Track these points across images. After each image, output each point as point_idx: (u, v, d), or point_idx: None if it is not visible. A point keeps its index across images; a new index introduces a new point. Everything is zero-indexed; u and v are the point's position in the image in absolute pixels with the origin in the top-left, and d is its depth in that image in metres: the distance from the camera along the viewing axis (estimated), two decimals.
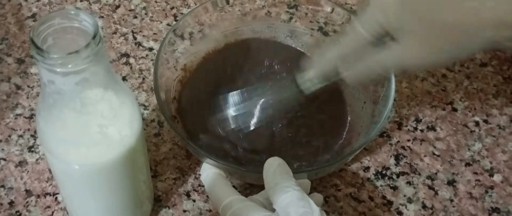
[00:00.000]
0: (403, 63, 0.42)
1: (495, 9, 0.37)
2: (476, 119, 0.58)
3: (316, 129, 0.53)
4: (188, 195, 0.52)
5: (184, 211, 0.51)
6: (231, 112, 0.53)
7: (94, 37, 0.33)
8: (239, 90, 0.53)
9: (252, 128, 0.52)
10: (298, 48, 0.60)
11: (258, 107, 0.53)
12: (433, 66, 0.50)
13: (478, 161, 0.55)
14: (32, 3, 0.67)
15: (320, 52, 0.47)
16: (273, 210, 0.41)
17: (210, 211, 0.51)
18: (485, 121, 0.58)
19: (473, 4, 0.37)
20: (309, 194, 0.45)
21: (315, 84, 0.48)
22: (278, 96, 0.52)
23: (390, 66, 0.42)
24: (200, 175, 0.49)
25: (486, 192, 0.53)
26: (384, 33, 0.41)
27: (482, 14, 0.37)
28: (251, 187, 0.52)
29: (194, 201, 0.51)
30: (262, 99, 0.52)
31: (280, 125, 0.53)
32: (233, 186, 0.51)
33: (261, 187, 0.44)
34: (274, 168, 0.42)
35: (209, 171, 0.46)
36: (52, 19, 0.34)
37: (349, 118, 0.55)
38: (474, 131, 0.57)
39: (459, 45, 0.39)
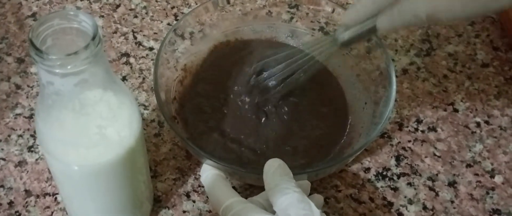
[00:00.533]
0: (433, 11, 0.40)
1: None
2: (477, 119, 0.58)
3: (316, 129, 0.53)
4: (188, 195, 0.52)
5: (184, 211, 0.51)
6: (232, 113, 0.53)
7: (93, 38, 0.33)
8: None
9: (253, 129, 0.52)
10: (299, 48, 0.60)
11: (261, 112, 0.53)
12: (464, 18, 0.48)
13: (479, 162, 0.55)
14: (32, 2, 0.67)
15: (355, 5, 0.46)
16: (274, 212, 0.41)
17: (210, 211, 0.51)
18: (487, 122, 0.58)
19: None
20: (309, 195, 0.45)
21: (352, 33, 0.48)
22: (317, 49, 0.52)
23: (421, 13, 0.41)
24: (200, 175, 0.48)
25: (487, 193, 0.53)
26: None
27: None
28: (251, 188, 0.52)
29: (194, 201, 0.51)
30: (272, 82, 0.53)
31: (281, 126, 0.52)
32: (233, 187, 0.51)
33: (262, 188, 0.43)
34: (274, 169, 0.42)
35: (209, 172, 0.46)
36: (51, 20, 0.34)
37: (350, 119, 0.55)
38: (475, 132, 0.57)
39: None
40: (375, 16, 0.45)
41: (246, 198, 0.44)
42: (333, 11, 0.58)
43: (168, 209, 0.51)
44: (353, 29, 0.48)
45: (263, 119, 0.53)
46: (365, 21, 0.46)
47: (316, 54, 0.52)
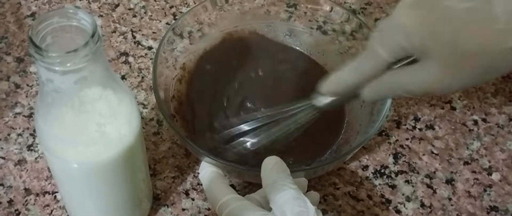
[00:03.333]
0: (426, 87, 0.39)
1: None
2: (475, 117, 0.58)
3: (313, 128, 0.53)
4: (187, 193, 0.52)
5: (183, 209, 0.51)
6: (231, 112, 0.53)
7: (92, 36, 0.33)
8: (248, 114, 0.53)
9: (251, 127, 0.52)
10: (296, 47, 0.60)
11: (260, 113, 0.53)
12: (459, 90, 0.48)
13: (477, 159, 0.55)
14: (31, 2, 0.67)
15: (337, 74, 0.44)
16: (270, 209, 0.41)
17: (208, 209, 0.51)
18: (484, 120, 0.58)
19: (499, 27, 0.35)
20: (306, 192, 0.46)
21: (332, 102, 0.47)
22: (294, 116, 0.50)
23: (413, 89, 0.40)
24: (198, 173, 0.49)
25: (485, 190, 0.53)
26: (406, 56, 0.39)
27: (510, 41, 0.35)
28: (249, 185, 0.52)
29: (193, 199, 0.51)
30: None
31: (278, 124, 0.53)
32: (232, 185, 0.51)
33: (260, 186, 0.44)
34: (272, 166, 0.42)
35: (207, 169, 0.46)
36: (50, 18, 0.34)
37: (346, 118, 0.55)
38: (472, 129, 0.57)
39: (485, 70, 0.37)
40: (358, 87, 0.43)
41: (244, 196, 0.44)
42: (331, 10, 0.58)
43: (167, 207, 0.51)
44: (332, 98, 0.46)
45: (261, 117, 0.53)
46: (346, 92, 0.44)
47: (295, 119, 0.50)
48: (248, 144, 0.51)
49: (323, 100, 0.47)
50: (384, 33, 0.40)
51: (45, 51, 0.33)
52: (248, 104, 0.54)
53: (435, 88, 0.39)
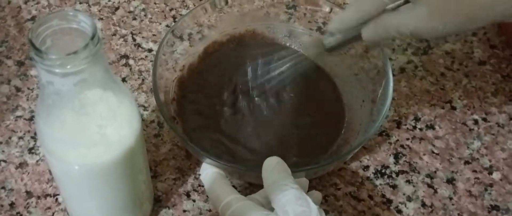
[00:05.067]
0: (414, 28, 0.42)
1: None
2: (475, 117, 0.58)
3: (313, 128, 0.53)
4: (188, 195, 0.52)
5: (184, 211, 0.51)
6: (231, 110, 0.54)
7: (92, 38, 0.33)
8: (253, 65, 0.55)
9: (251, 128, 0.53)
10: (295, 48, 0.61)
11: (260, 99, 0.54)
12: (444, 35, 0.51)
13: (477, 159, 0.55)
14: (32, 6, 0.67)
15: (341, 13, 0.49)
16: (272, 209, 0.41)
17: (210, 211, 0.51)
18: (484, 119, 0.58)
19: None
20: (307, 192, 0.46)
21: (337, 40, 0.50)
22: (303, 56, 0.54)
23: (402, 29, 0.43)
24: (199, 175, 0.49)
25: (485, 190, 0.53)
26: None
27: None
28: (251, 186, 0.52)
29: (194, 201, 0.52)
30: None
31: (278, 124, 0.53)
32: (233, 186, 0.51)
33: (261, 187, 0.44)
34: (273, 166, 0.42)
35: (208, 171, 0.46)
36: (50, 21, 0.35)
37: (346, 118, 0.55)
38: (473, 129, 0.58)
39: (471, 18, 0.40)
40: (359, 25, 0.46)
41: (245, 196, 0.44)
42: (330, 11, 0.58)
43: (169, 208, 0.51)
44: (338, 36, 0.49)
45: (261, 118, 0.53)
46: (349, 29, 0.48)
47: (305, 52, 0.54)
48: (248, 143, 0.52)
49: (329, 39, 0.50)
50: None
51: (45, 54, 0.33)
52: (248, 105, 0.54)
53: (422, 30, 0.42)
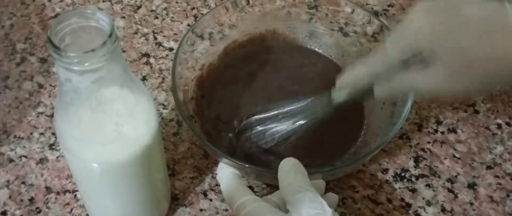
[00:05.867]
0: (433, 89, 0.41)
1: None
2: (499, 121, 0.57)
3: (332, 130, 0.53)
4: (205, 194, 0.52)
5: (201, 210, 0.51)
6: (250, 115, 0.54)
7: (110, 35, 0.34)
8: (266, 111, 0.54)
9: (269, 126, 0.52)
10: (316, 49, 0.60)
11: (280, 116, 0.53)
12: (465, 96, 0.51)
13: (500, 164, 0.54)
14: (56, 4, 0.68)
15: (351, 69, 0.47)
16: (287, 211, 0.41)
17: (226, 210, 0.51)
18: (508, 124, 0.57)
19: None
20: (324, 194, 0.45)
21: (347, 95, 0.49)
22: (311, 111, 0.52)
23: (421, 90, 0.42)
24: (216, 174, 0.49)
25: (508, 196, 0.52)
26: (415, 56, 0.41)
27: None
28: (268, 187, 0.52)
29: (211, 200, 0.52)
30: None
31: (297, 120, 0.52)
32: (250, 186, 0.51)
33: (278, 188, 0.44)
34: (289, 167, 0.42)
35: (225, 170, 0.46)
36: (69, 19, 0.35)
37: (366, 120, 0.54)
38: (496, 133, 0.56)
39: (493, 79, 0.39)
40: (370, 83, 0.45)
41: (261, 197, 0.44)
42: (352, 12, 0.58)
43: (186, 207, 0.51)
44: (349, 92, 0.49)
45: (280, 119, 0.53)
46: (360, 86, 0.47)
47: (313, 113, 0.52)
48: (266, 144, 0.51)
49: (339, 95, 0.49)
50: (396, 34, 0.42)
51: (64, 51, 0.33)
52: (267, 106, 0.54)
53: (441, 91, 0.41)
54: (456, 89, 0.40)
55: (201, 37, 0.57)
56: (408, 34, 0.41)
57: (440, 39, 0.39)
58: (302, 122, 0.51)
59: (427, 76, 0.40)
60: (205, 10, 0.68)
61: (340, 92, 0.49)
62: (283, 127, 0.52)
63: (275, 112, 0.53)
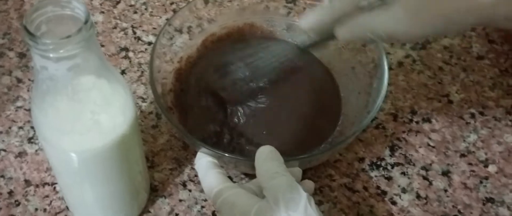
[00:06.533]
0: (390, 30, 0.40)
1: None
2: (472, 111, 0.59)
3: (310, 120, 0.54)
4: (184, 185, 0.52)
5: (180, 200, 0.51)
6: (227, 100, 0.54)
7: (85, 22, 0.34)
8: (239, 65, 0.54)
9: (248, 119, 0.53)
10: (294, 41, 0.61)
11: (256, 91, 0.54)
12: (421, 38, 0.49)
13: (473, 152, 0.55)
14: None
15: (313, 10, 0.46)
16: (264, 197, 0.41)
17: (205, 200, 0.51)
18: (481, 113, 0.58)
19: None
20: (301, 181, 0.46)
21: (311, 39, 0.49)
22: (278, 56, 0.52)
23: (378, 30, 0.41)
24: (195, 164, 0.49)
25: (481, 182, 0.53)
26: None
27: None
28: (246, 177, 0.53)
29: (190, 190, 0.52)
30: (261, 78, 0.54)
31: (275, 115, 0.53)
32: (229, 176, 0.51)
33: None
34: (265, 155, 0.43)
35: (202, 159, 0.47)
36: (44, 7, 0.35)
37: (342, 110, 0.55)
38: (469, 122, 0.58)
39: (449, 21, 0.38)
40: (333, 24, 0.45)
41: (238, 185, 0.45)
42: None
43: (165, 198, 0.52)
44: (311, 35, 0.48)
45: (258, 109, 0.53)
46: (322, 28, 0.46)
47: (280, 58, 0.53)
48: (244, 134, 0.52)
49: (302, 37, 0.49)
50: None
51: (39, 38, 0.33)
52: (245, 97, 0.55)
53: (398, 32, 0.40)
54: (414, 31, 0.39)
55: (180, 31, 0.57)
56: None
57: None
58: (292, 59, 0.52)
59: (385, 16, 0.40)
60: (184, 4, 0.68)
61: (304, 35, 0.49)
62: (261, 100, 0.53)
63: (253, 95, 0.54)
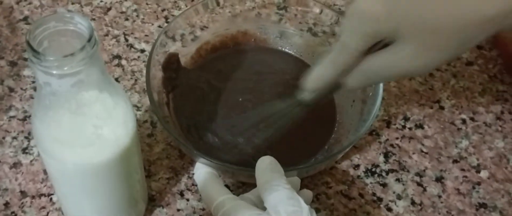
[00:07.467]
0: (402, 70, 0.39)
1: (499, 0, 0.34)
2: (463, 116, 0.60)
3: (306, 128, 0.54)
4: (181, 194, 0.53)
5: (178, 210, 0.52)
6: (224, 113, 0.54)
7: (89, 40, 0.34)
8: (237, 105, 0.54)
9: (244, 128, 0.53)
10: (286, 49, 0.61)
11: (252, 113, 0.54)
12: (437, 66, 0.47)
13: (465, 157, 0.56)
14: (24, 6, 0.67)
15: (316, 70, 0.44)
16: (264, 208, 0.42)
17: (203, 209, 0.51)
18: (472, 119, 0.59)
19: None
20: (299, 191, 0.46)
21: (317, 97, 0.47)
22: (278, 109, 0.51)
23: (393, 73, 0.39)
24: (193, 174, 0.49)
25: (473, 188, 0.54)
26: (377, 41, 0.39)
27: (484, 8, 0.35)
28: (243, 185, 0.53)
29: (187, 200, 0.52)
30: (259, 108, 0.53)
31: (271, 121, 0.53)
32: (226, 185, 0.52)
33: (254, 186, 0.44)
34: (265, 166, 0.43)
35: (201, 170, 0.47)
36: (47, 22, 0.35)
37: (337, 117, 0.56)
38: (461, 128, 0.59)
39: (459, 42, 0.37)
40: (337, 79, 0.43)
41: (238, 196, 0.45)
42: (321, 12, 0.59)
43: (162, 207, 0.52)
44: (316, 92, 0.46)
45: (254, 118, 0.54)
46: (326, 85, 0.44)
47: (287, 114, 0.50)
48: (241, 143, 0.52)
49: (308, 95, 0.47)
50: (349, 23, 0.39)
51: (43, 55, 0.33)
52: (240, 105, 0.55)
53: (411, 69, 0.39)
54: (425, 63, 0.38)
55: (173, 38, 0.57)
56: (361, 21, 0.38)
57: (396, 14, 0.37)
58: (278, 124, 0.50)
59: (392, 57, 0.38)
60: (175, 12, 0.68)
61: (309, 92, 0.47)
62: (258, 129, 0.52)
63: (250, 115, 0.53)
